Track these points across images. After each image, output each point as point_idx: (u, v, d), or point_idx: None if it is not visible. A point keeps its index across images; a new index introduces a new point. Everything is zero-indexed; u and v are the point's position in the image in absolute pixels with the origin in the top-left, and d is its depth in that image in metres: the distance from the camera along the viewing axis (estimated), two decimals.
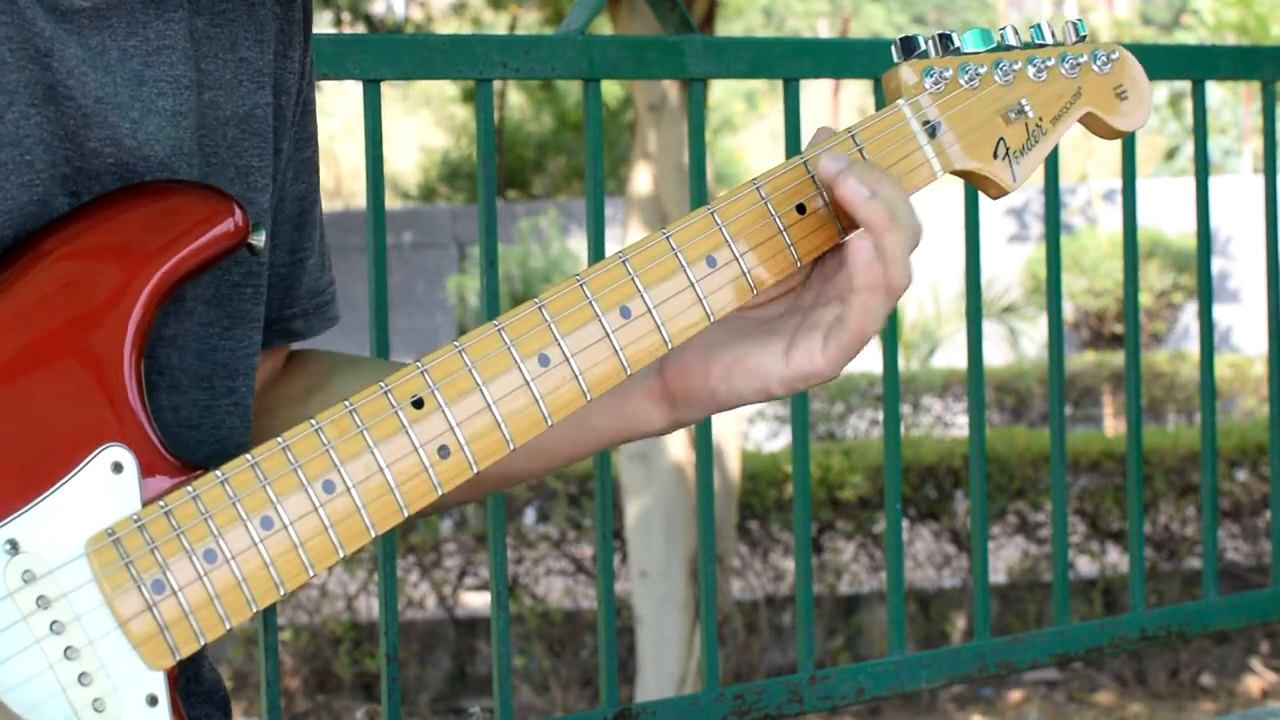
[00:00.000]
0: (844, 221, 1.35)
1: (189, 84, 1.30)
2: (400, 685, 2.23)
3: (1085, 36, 1.43)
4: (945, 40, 1.39)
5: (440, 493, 1.25)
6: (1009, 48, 1.41)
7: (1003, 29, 1.41)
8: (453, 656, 8.65)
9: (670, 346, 1.30)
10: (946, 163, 1.38)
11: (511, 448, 1.27)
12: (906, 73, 1.39)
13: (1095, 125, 1.44)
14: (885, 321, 1.31)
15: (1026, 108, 1.41)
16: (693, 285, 1.31)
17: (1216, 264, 14.60)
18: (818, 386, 9.62)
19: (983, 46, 1.40)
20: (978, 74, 1.39)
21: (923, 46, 1.39)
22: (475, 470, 1.26)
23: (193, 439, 1.33)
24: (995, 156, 1.40)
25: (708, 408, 1.37)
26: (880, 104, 2.41)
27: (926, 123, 1.38)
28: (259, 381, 1.48)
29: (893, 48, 1.39)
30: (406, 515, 1.24)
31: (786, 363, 1.32)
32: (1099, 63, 1.43)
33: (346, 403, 1.24)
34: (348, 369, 1.50)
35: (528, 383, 1.27)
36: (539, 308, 1.28)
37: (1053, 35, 1.42)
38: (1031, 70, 1.41)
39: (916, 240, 1.31)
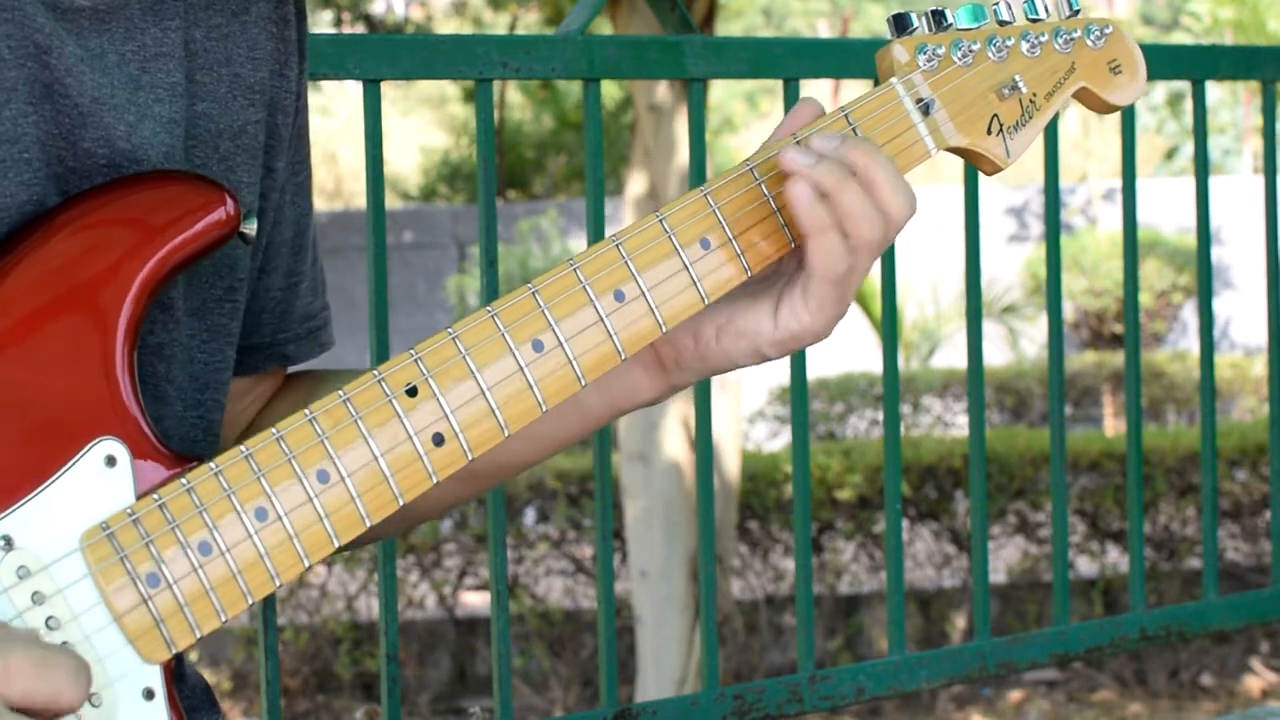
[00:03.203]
0: None
1: (182, 92, 1.31)
2: (400, 685, 2.23)
3: (1079, 11, 1.43)
4: (938, 17, 1.39)
5: (435, 480, 1.25)
6: (1002, 23, 1.41)
7: (996, 4, 1.40)
8: (453, 656, 8.65)
9: (665, 330, 1.30)
10: (940, 140, 1.38)
11: (506, 434, 1.26)
12: (899, 50, 1.39)
13: (1089, 100, 1.44)
14: (853, 260, 1.28)
15: (1020, 83, 1.41)
16: (687, 268, 1.31)
17: (1215, 259, 14.58)
18: (817, 387, 9.55)
19: (976, 23, 1.40)
20: (971, 50, 1.39)
21: (915, 24, 1.39)
22: (470, 457, 1.25)
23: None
24: (989, 133, 1.40)
25: (699, 372, 1.36)
26: None
27: (920, 100, 1.38)
28: (254, 404, 1.49)
29: (886, 25, 1.39)
30: (402, 504, 1.24)
31: (775, 323, 1.32)
32: (1092, 37, 1.43)
33: (340, 392, 1.23)
34: (333, 383, 1.50)
35: (522, 369, 1.26)
36: (532, 293, 1.27)
37: (1046, 10, 1.42)
38: (1025, 46, 1.41)
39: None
